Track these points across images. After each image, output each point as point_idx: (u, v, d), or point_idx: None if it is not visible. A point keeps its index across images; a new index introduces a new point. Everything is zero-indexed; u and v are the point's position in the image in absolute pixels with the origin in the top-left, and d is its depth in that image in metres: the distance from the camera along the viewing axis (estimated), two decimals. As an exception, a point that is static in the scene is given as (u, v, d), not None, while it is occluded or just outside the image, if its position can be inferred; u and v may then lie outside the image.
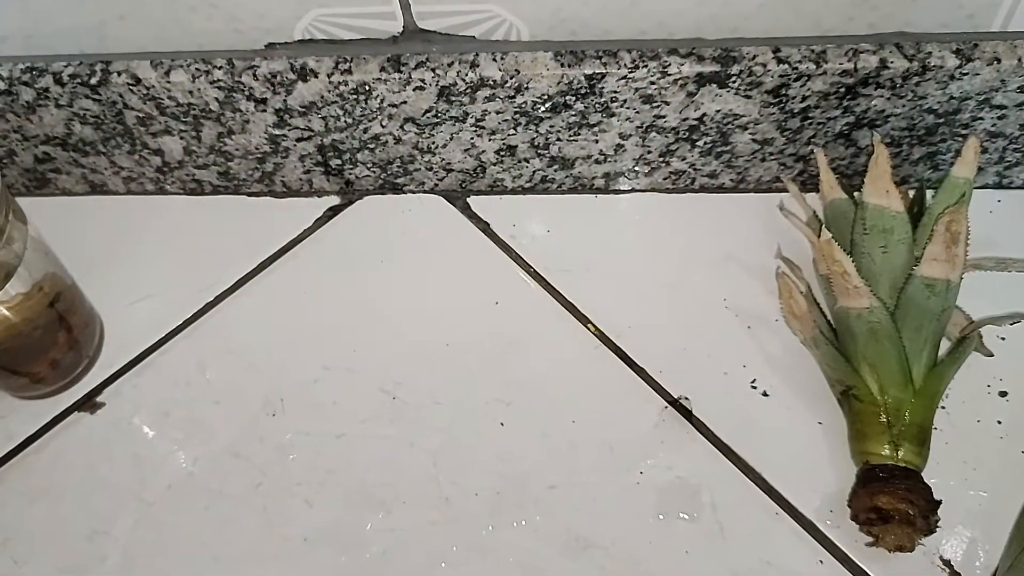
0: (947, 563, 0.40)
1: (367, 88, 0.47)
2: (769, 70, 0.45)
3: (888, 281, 0.42)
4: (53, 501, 0.45)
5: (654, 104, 0.47)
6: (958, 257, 0.41)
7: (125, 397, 0.48)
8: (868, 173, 0.43)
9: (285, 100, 0.48)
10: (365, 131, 0.50)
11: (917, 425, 0.40)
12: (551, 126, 0.49)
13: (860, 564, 0.40)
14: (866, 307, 0.41)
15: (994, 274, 0.45)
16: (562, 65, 0.46)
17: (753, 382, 0.46)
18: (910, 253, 0.43)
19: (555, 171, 0.52)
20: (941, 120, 0.47)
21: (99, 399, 0.48)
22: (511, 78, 0.46)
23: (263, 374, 0.48)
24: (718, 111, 0.47)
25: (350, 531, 0.43)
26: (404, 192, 0.55)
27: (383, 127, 0.50)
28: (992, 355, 0.45)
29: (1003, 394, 0.44)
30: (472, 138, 0.50)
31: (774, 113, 0.47)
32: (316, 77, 0.47)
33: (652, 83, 0.46)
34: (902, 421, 0.40)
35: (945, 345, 0.44)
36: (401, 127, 0.50)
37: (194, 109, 0.49)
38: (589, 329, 0.48)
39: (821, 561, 0.41)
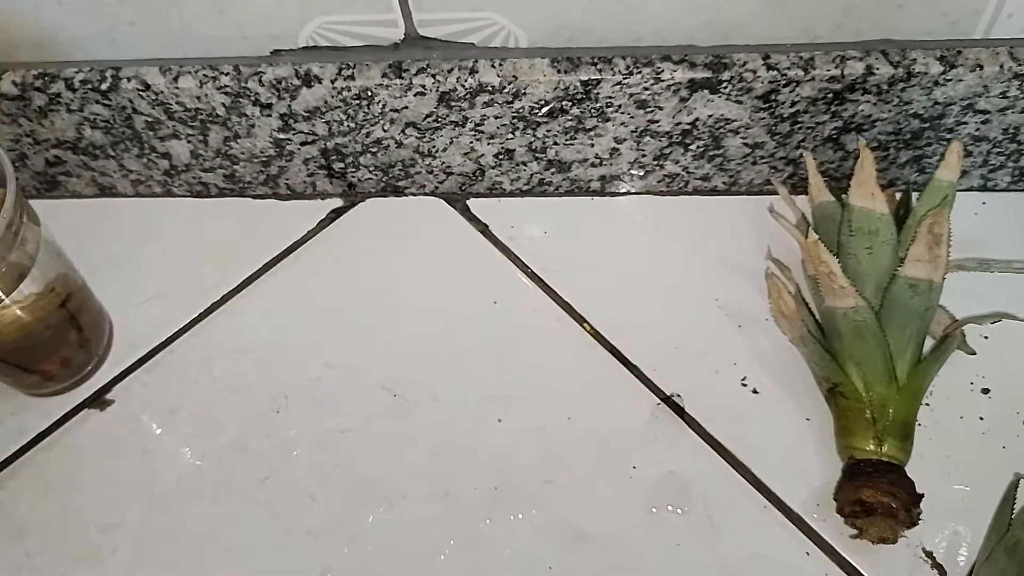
0: (929, 554, 0.41)
1: (369, 93, 0.48)
2: (759, 76, 0.46)
3: (873, 281, 0.44)
4: (64, 495, 0.46)
5: (648, 109, 0.48)
6: (940, 258, 0.42)
7: (134, 394, 0.50)
8: (854, 177, 0.44)
9: (290, 105, 0.50)
10: (367, 135, 0.51)
11: (901, 421, 0.42)
12: (548, 130, 0.50)
13: (845, 556, 0.42)
14: (852, 306, 0.43)
15: (977, 274, 0.46)
16: (559, 71, 0.47)
17: (743, 380, 0.47)
18: (895, 254, 0.44)
19: (552, 174, 0.53)
20: (926, 125, 0.48)
21: (109, 396, 0.50)
22: (509, 84, 0.47)
23: (268, 372, 0.49)
24: (710, 116, 0.48)
25: (352, 524, 0.44)
26: (405, 195, 0.56)
27: (385, 131, 0.51)
28: (975, 353, 0.46)
29: (985, 391, 0.45)
30: (471, 142, 0.51)
31: (764, 118, 0.48)
32: (320, 83, 0.48)
33: (646, 89, 0.47)
34: (886, 417, 0.41)
35: (929, 343, 0.45)
36: (402, 131, 0.51)
37: (201, 114, 0.51)
38: (585, 328, 0.50)
39: (808, 553, 0.42)
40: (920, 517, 0.40)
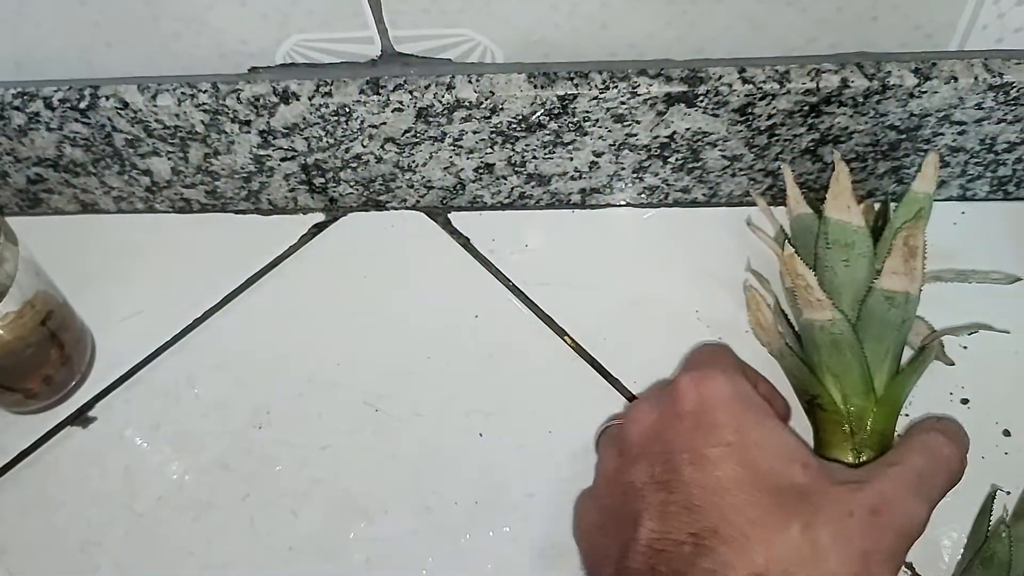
0: (909, 566, 0.41)
1: (347, 110, 0.49)
2: (735, 90, 0.46)
3: (850, 294, 0.44)
4: (46, 513, 0.46)
5: (625, 123, 0.48)
6: (916, 270, 0.43)
7: (116, 411, 0.50)
8: (829, 190, 0.44)
9: (268, 122, 0.50)
10: (347, 151, 0.51)
11: (879, 433, 0.42)
12: (527, 145, 0.50)
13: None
14: (828, 319, 0.43)
15: (955, 285, 0.47)
16: (535, 86, 0.47)
17: (723, 392, 0.47)
18: (871, 266, 0.44)
19: (532, 188, 0.54)
20: (903, 136, 0.48)
21: (91, 413, 0.50)
22: (486, 99, 0.47)
23: (250, 388, 0.50)
24: (688, 129, 0.48)
25: (334, 540, 0.44)
26: (387, 209, 0.56)
27: (364, 147, 0.51)
28: (953, 364, 0.46)
29: (964, 401, 0.46)
30: (451, 157, 0.51)
31: (742, 131, 0.48)
32: (298, 99, 0.48)
33: (622, 103, 0.47)
34: (864, 429, 0.41)
35: (908, 355, 0.45)
36: (382, 147, 0.51)
37: (181, 131, 0.51)
38: (565, 341, 0.50)
39: (787, 565, 0.42)
40: None
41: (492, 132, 0.49)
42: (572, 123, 0.48)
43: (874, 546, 0.34)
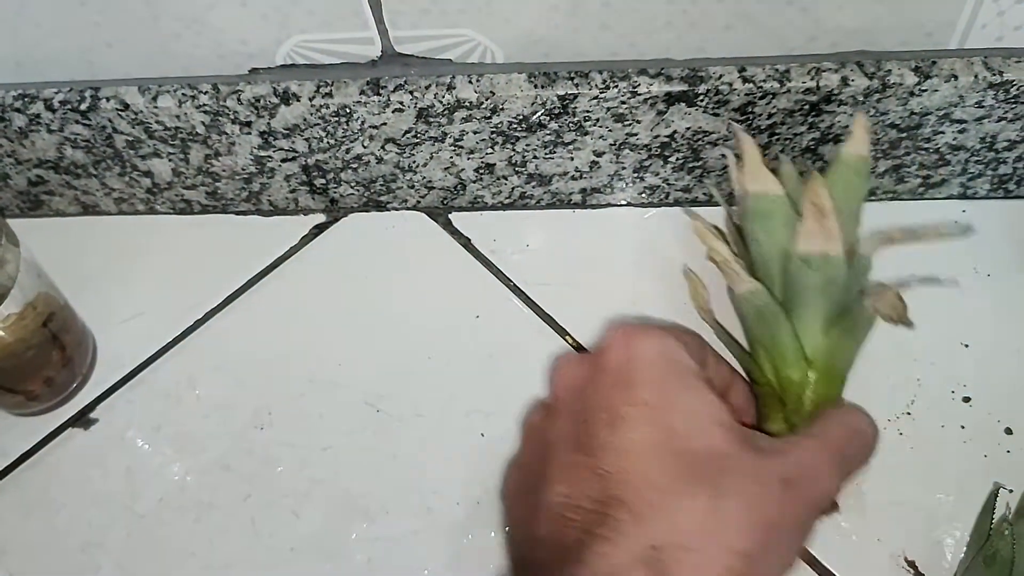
0: (911, 564, 0.41)
1: (348, 110, 0.49)
2: (735, 89, 0.46)
3: (777, 263, 0.42)
4: (48, 515, 0.46)
5: (626, 122, 0.48)
6: (832, 230, 0.40)
7: (118, 413, 0.50)
8: (744, 166, 0.43)
9: (269, 123, 0.50)
10: (347, 151, 0.51)
11: (818, 402, 0.40)
12: (527, 145, 0.50)
13: (825, 564, 0.41)
14: (749, 290, 0.41)
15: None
16: (536, 86, 0.47)
17: (725, 391, 0.47)
18: (794, 233, 0.42)
19: (533, 188, 0.54)
20: (904, 134, 0.48)
21: (92, 415, 0.50)
22: (487, 99, 0.47)
23: (251, 389, 0.50)
24: (688, 128, 0.48)
25: (335, 540, 0.44)
26: (387, 209, 0.56)
27: (365, 147, 0.51)
28: (913, 326, 0.41)
29: (966, 400, 0.45)
30: (451, 157, 0.51)
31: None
32: (298, 100, 0.48)
33: (623, 103, 0.47)
34: (800, 399, 0.40)
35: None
36: (382, 147, 0.51)
37: (181, 132, 0.51)
38: (567, 341, 0.50)
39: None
40: (837, 508, 0.39)
41: (493, 132, 0.49)
42: (573, 123, 0.48)
43: (781, 517, 0.32)
